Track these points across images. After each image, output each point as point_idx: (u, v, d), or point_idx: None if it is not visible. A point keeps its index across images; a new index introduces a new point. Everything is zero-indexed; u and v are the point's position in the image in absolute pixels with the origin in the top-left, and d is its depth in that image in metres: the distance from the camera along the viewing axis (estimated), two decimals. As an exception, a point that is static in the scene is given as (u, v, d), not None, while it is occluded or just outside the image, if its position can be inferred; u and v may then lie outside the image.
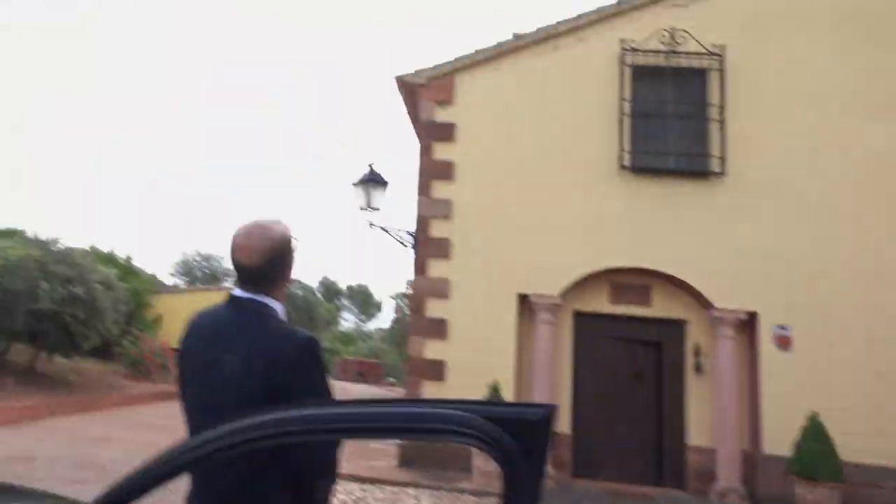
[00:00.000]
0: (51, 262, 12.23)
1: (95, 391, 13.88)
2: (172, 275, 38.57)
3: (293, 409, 1.25)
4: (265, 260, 2.00)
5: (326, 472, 1.99)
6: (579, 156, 9.96)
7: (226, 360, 1.96)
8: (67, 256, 12.61)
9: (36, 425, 10.05)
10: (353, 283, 67.90)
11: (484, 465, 8.77)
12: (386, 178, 10.10)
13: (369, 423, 1.18)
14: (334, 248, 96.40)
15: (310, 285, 50.03)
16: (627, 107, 9.94)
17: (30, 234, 14.77)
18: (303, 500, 1.97)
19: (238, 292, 2.06)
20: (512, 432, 1.06)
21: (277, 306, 2.07)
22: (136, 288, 18.87)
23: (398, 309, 41.69)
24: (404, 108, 11.40)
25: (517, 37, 10.27)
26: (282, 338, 1.94)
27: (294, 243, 2.10)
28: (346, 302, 65.62)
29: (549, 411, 1.07)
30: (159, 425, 11.80)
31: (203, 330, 2.09)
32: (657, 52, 9.92)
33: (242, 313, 2.02)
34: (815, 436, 8.30)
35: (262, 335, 1.96)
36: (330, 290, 61.20)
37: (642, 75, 10.08)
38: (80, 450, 8.61)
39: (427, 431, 1.15)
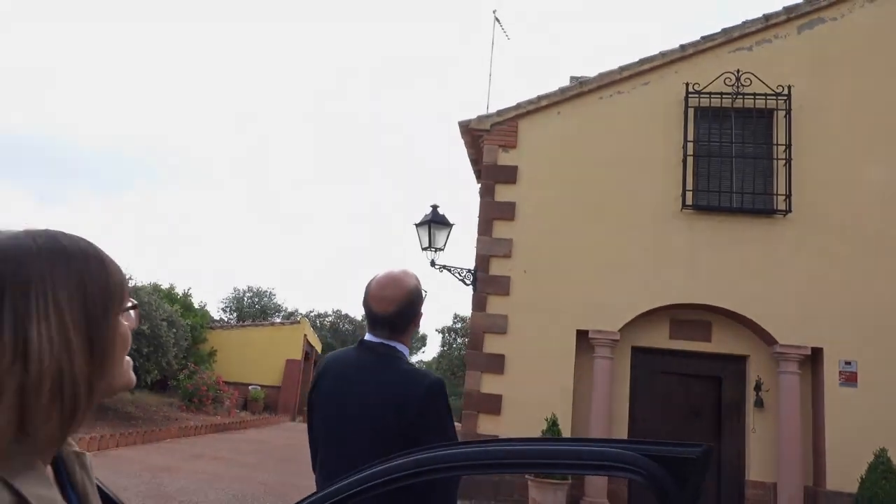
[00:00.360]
0: (120, 300, 12.71)
1: (155, 423, 14.22)
2: (224, 309, 39.24)
3: (460, 447, 1.34)
4: (397, 309, 2.18)
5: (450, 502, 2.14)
6: (641, 195, 10.12)
7: (359, 400, 2.13)
8: (135, 295, 13.09)
9: (104, 456, 10.34)
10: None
11: (539, 498, 8.77)
12: (450, 220, 10.29)
13: (541, 459, 1.30)
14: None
15: (357, 318, 50.28)
16: (691, 147, 10.09)
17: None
18: None
19: (369, 337, 2.25)
20: (670, 469, 1.12)
21: (405, 350, 2.25)
22: (192, 324, 19.38)
23: (445, 343, 41.63)
24: (465, 151, 11.66)
25: (580, 82, 10.55)
26: (413, 380, 2.11)
27: (423, 293, 2.28)
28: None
29: (705, 450, 1.12)
30: (217, 456, 12.07)
31: (337, 371, 2.27)
32: (721, 94, 10.07)
33: (374, 357, 2.19)
34: (883, 472, 8.18)
35: (393, 377, 2.13)
36: (374, 323, 61.26)
37: (706, 117, 10.25)
38: (147, 479, 8.87)
39: (592, 467, 1.23)
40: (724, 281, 9.71)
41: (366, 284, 2.26)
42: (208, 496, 8.37)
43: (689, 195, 9.96)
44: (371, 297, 2.20)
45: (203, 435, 15.43)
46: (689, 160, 10.05)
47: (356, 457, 1.96)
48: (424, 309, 2.33)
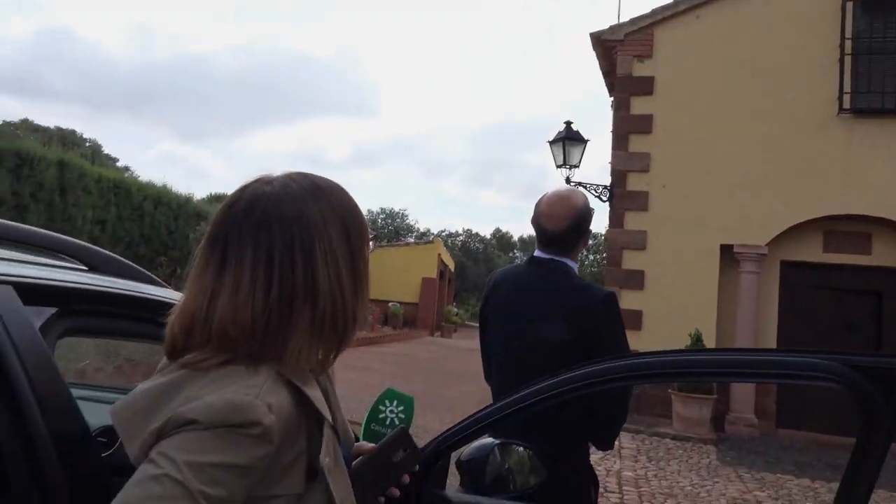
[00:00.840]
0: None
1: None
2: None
3: (660, 355, 1.33)
4: (567, 226, 2.25)
5: (625, 411, 2.26)
6: (791, 101, 9.47)
7: (534, 313, 2.23)
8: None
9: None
10: (525, 235, 68.35)
11: (684, 412, 8.83)
12: (584, 136, 10.13)
13: (739, 368, 1.32)
14: (508, 201, 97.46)
15: (486, 237, 50.83)
16: (849, 45, 9.25)
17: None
18: (600, 432, 2.25)
19: (539, 253, 2.33)
20: (874, 380, 1.08)
21: (574, 266, 2.33)
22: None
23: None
24: (596, 64, 11.32)
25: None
26: (587, 292, 2.20)
27: (591, 211, 2.35)
28: (518, 253, 66.36)
29: None
30: (367, 367, 12.88)
31: (509, 285, 2.38)
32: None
33: (546, 272, 2.28)
34: None
35: (568, 290, 2.22)
36: (503, 241, 61.94)
37: (868, 9, 9.31)
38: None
39: (795, 377, 1.25)
40: (887, 189, 9.03)
41: (535, 203, 2.34)
42: (364, 402, 9.00)
43: (846, 98, 9.22)
44: (542, 215, 2.28)
45: (351, 348, 16.41)
46: (847, 60, 9.24)
47: (534, 366, 2.09)
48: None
